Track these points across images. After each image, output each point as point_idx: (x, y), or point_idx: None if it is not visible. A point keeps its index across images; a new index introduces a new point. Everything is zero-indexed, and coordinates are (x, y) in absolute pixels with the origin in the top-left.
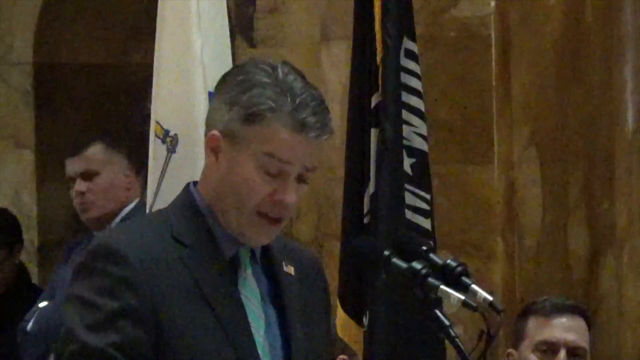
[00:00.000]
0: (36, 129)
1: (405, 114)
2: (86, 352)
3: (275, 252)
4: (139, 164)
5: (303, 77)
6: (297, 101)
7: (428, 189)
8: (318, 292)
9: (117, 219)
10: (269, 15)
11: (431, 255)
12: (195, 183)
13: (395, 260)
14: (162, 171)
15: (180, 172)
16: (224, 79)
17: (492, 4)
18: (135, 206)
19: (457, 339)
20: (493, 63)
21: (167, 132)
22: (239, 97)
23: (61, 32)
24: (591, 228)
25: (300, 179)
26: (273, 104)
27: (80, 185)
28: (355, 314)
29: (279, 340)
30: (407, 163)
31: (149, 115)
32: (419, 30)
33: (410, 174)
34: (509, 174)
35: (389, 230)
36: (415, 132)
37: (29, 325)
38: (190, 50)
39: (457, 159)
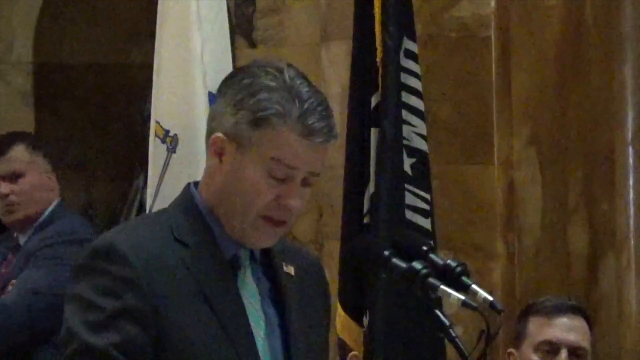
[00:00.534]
0: (36, 129)
1: (405, 114)
2: (87, 352)
3: (275, 253)
4: (56, 163)
5: (308, 80)
6: (305, 106)
7: (428, 189)
8: (318, 293)
9: (40, 220)
10: (269, 15)
11: (431, 255)
12: (195, 183)
13: (395, 260)
14: (162, 171)
15: (180, 172)
16: (229, 81)
17: (492, 4)
18: (56, 206)
19: (457, 339)
20: (493, 63)
21: (167, 132)
22: (245, 100)
23: (61, 32)
24: (591, 228)
25: (305, 183)
26: (281, 109)
27: (4, 188)
28: (355, 314)
29: (279, 340)
30: (407, 163)
31: (149, 115)
32: (419, 30)
33: (410, 174)
34: (509, 174)
35: (389, 230)
36: (415, 132)
37: None
38: (190, 50)
39: (457, 159)
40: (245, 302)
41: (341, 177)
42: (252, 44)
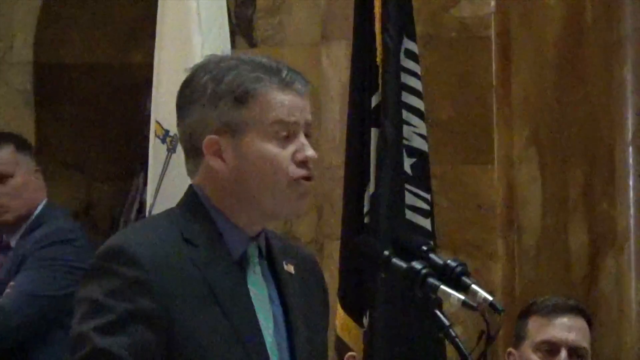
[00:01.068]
0: (36, 129)
1: (405, 114)
2: (98, 355)
3: (276, 251)
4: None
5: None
6: (270, 66)
7: (428, 189)
8: (317, 291)
9: (30, 221)
10: (269, 15)
11: (431, 255)
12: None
13: (395, 260)
14: (162, 171)
15: (180, 172)
16: (186, 91)
17: (492, 4)
18: (44, 207)
19: (457, 339)
20: (493, 63)
21: (167, 132)
22: (217, 89)
23: (61, 32)
24: (591, 228)
25: (306, 135)
26: (254, 76)
27: None
28: (355, 314)
29: (285, 338)
30: (407, 163)
31: (149, 115)
32: (419, 30)
33: (410, 174)
34: (509, 174)
35: (389, 230)
36: (415, 132)
37: None
38: (190, 50)
39: (457, 159)
40: (255, 300)
41: (341, 177)
42: (252, 44)
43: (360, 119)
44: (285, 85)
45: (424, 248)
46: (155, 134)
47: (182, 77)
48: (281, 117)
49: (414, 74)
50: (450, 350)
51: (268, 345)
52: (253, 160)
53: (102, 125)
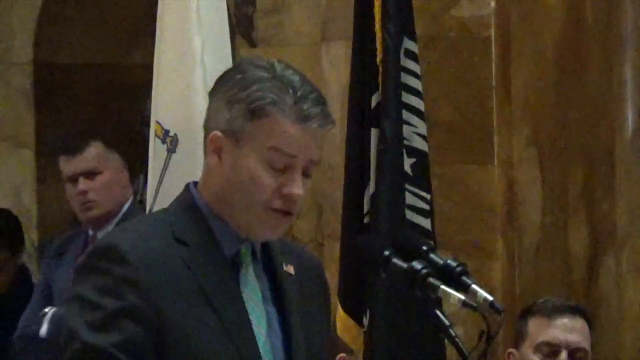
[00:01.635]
0: (36, 129)
1: (405, 114)
2: (88, 351)
3: (275, 252)
4: (130, 162)
5: (298, 72)
6: (298, 94)
7: (428, 189)
8: (318, 293)
9: (117, 218)
10: (269, 15)
11: (431, 255)
12: (195, 183)
13: (395, 260)
14: (162, 171)
15: (180, 172)
16: (220, 81)
17: (492, 4)
18: (131, 204)
19: (457, 339)
20: (493, 63)
21: (167, 132)
22: (239, 94)
23: (61, 32)
24: (591, 228)
25: (305, 173)
26: (275, 97)
27: (82, 185)
28: (355, 314)
29: (280, 339)
30: (407, 163)
31: (149, 115)
32: (419, 30)
33: (410, 174)
34: (509, 174)
35: (389, 230)
36: (415, 132)
37: (43, 330)
38: (190, 50)
39: (457, 159)
40: (247, 299)
41: (341, 177)
42: (252, 44)
43: (360, 119)
44: (301, 118)
45: (424, 248)
46: (155, 134)
47: (182, 77)
48: (280, 147)
49: (414, 73)
50: (450, 350)
51: (260, 346)
52: (241, 174)
53: (102, 125)
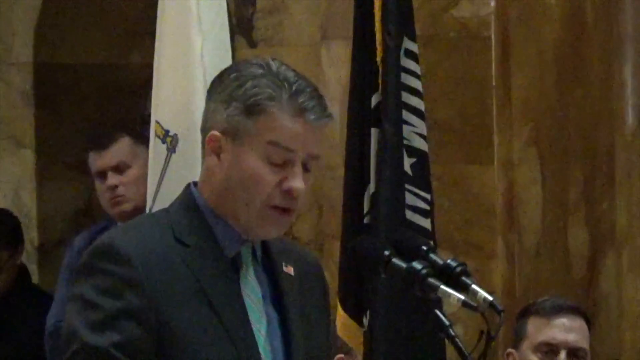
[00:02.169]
0: (36, 129)
1: (405, 114)
2: (88, 352)
3: (275, 252)
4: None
5: (294, 69)
6: (294, 88)
7: (428, 189)
8: (318, 293)
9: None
10: (269, 15)
11: (431, 255)
12: (195, 183)
13: (395, 260)
14: (162, 171)
15: (180, 172)
16: (217, 81)
17: (492, 4)
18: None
19: (457, 339)
20: (493, 63)
21: (167, 132)
22: (235, 92)
23: (61, 32)
24: (591, 228)
25: (305, 168)
26: (271, 92)
27: (112, 179)
28: (355, 314)
29: (280, 340)
30: (407, 163)
31: (149, 115)
32: (419, 30)
33: (410, 174)
34: (509, 174)
35: (389, 230)
36: (415, 132)
37: None
38: (190, 50)
39: (457, 159)
40: (247, 300)
41: (341, 177)
42: (252, 44)
43: (360, 119)
44: (298, 112)
45: (424, 248)
46: (155, 134)
47: (182, 77)
48: (278, 141)
49: (414, 74)
50: (450, 350)
51: (260, 346)
52: (241, 171)
53: (102, 125)
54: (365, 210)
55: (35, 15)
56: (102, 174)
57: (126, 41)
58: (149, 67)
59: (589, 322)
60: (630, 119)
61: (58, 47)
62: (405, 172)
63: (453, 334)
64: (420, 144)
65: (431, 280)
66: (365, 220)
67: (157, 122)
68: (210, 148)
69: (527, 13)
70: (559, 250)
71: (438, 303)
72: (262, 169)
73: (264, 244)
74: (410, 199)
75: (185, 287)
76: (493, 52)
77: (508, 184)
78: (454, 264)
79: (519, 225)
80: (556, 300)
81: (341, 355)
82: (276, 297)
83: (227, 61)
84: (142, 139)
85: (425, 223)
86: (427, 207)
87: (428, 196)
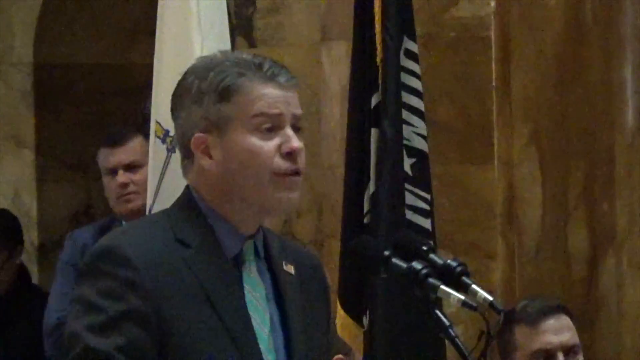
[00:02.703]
0: (36, 129)
1: (405, 114)
2: (90, 354)
3: (275, 252)
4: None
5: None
6: (256, 61)
7: (428, 189)
8: (318, 292)
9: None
10: (269, 15)
11: (431, 255)
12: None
13: (395, 260)
14: (162, 171)
15: (180, 172)
16: (176, 94)
17: (492, 4)
18: None
19: (457, 339)
20: (493, 63)
21: (167, 132)
22: (202, 86)
23: (61, 32)
24: (591, 228)
25: (295, 128)
26: (237, 70)
27: (123, 177)
28: (355, 314)
29: (282, 338)
30: (407, 163)
31: (149, 115)
32: (419, 30)
33: (410, 174)
34: (509, 174)
35: (389, 230)
36: (415, 132)
37: None
38: (190, 50)
39: (457, 159)
40: (250, 298)
41: (341, 177)
42: (252, 44)
43: (360, 119)
44: (268, 78)
45: (424, 248)
46: (155, 134)
47: None
48: (262, 109)
49: (414, 73)
50: (450, 350)
51: (264, 345)
52: (237, 154)
53: (102, 125)
54: (365, 210)
55: (35, 15)
56: (113, 171)
57: (126, 41)
58: (149, 67)
59: (571, 315)
60: (630, 119)
61: (58, 47)
62: (405, 172)
63: (453, 334)
64: (420, 144)
65: (431, 280)
66: (365, 220)
67: (157, 122)
68: (199, 150)
69: (527, 13)
70: (559, 250)
71: (438, 303)
72: (257, 142)
73: (265, 243)
74: (410, 199)
75: (187, 289)
76: (493, 52)
77: (508, 184)
78: (454, 264)
79: (519, 225)
80: (535, 303)
81: (340, 356)
82: (277, 295)
83: None
84: None
85: (425, 223)
86: (427, 207)
87: (428, 196)
